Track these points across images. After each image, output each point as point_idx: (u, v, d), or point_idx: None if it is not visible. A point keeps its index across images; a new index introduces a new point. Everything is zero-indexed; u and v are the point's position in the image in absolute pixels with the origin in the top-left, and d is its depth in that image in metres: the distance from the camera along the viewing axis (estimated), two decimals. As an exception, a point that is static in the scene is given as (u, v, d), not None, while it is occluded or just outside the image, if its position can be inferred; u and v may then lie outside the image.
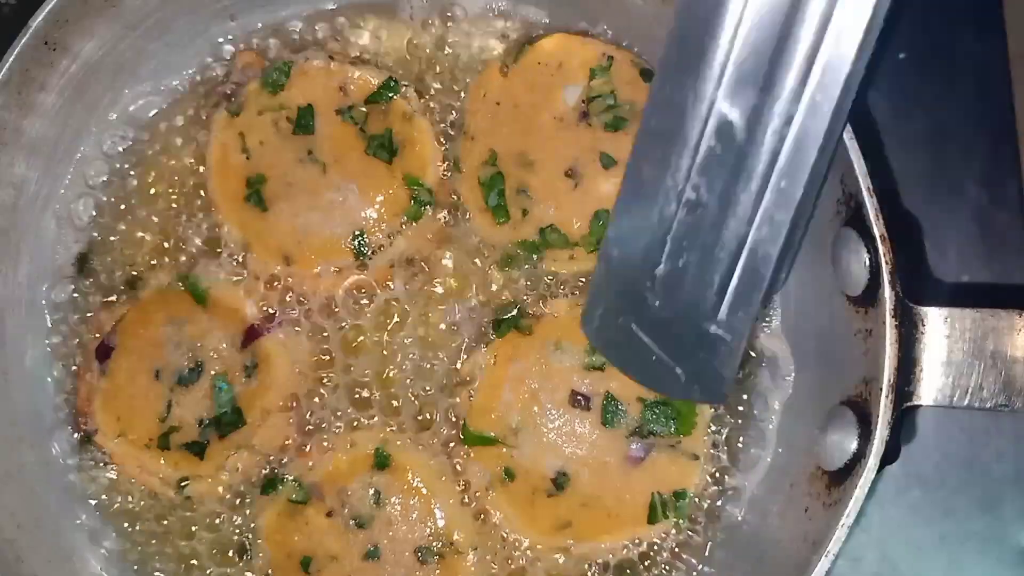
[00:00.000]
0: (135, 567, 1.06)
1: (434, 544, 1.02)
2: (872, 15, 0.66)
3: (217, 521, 1.05)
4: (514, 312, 1.04)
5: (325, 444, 1.04)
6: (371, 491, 1.02)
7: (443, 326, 1.06)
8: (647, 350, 0.84)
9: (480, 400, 1.03)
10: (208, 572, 1.05)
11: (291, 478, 1.03)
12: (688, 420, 1.01)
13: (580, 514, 1.01)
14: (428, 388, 1.06)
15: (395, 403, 1.06)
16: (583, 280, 1.06)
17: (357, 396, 1.06)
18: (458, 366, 1.05)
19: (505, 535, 1.03)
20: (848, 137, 0.85)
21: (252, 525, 1.04)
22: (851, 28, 0.66)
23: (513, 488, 1.02)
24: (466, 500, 1.03)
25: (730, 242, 0.76)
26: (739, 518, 1.04)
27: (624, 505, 1.01)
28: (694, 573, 1.04)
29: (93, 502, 1.07)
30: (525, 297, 1.06)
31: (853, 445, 0.87)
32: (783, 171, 0.73)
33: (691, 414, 1.01)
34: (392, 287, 1.07)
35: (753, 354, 1.05)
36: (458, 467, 1.04)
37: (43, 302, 1.08)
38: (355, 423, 1.05)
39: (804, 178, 0.73)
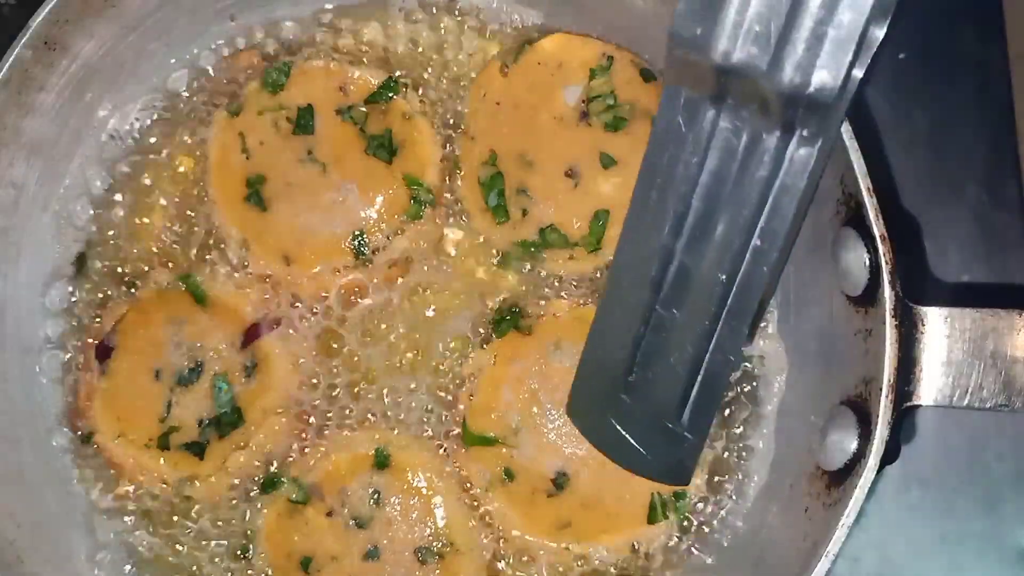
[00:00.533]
0: (135, 567, 1.06)
1: (434, 544, 1.02)
2: (806, 186, 0.76)
3: (217, 521, 1.05)
4: (514, 312, 1.04)
5: (325, 444, 1.04)
6: (371, 491, 1.02)
7: (443, 326, 1.06)
8: (623, 438, 0.93)
9: (480, 400, 1.03)
10: (208, 572, 1.05)
11: (291, 478, 1.03)
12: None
13: (580, 514, 1.01)
14: (428, 388, 1.06)
15: (395, 403, 1.06)
16: (583, 280, 1.06)
17: (357, 396, 1.06)
18: (458, 366, 1.05)
19: (505, 535, 1.03)
20: (848, 137, 0.85)
21: (252, 525, 1.04)
22: (786, 204, 0.77)
23: (513, 488, 1.02)
24: (466, 500, 1.03)
25: (689, 362, 0.86)
26: (739, 518, 1.04)
27: (624, 505, 1.01)
28: (693, 573, 1.04)
29: (93, 502, 1.06)
30: (525, 297, 1.06)
31: (853, 445, 0.87)
32: (731, 312, 0.83)
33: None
34: (392, 287, 1.07)
35: (752, 355, 1.05)
36: (458, 467, 1.04)
37: (43, 302, 1.07)
38: (355, 423, 1.05)
39: (748, 319, 0.83)
